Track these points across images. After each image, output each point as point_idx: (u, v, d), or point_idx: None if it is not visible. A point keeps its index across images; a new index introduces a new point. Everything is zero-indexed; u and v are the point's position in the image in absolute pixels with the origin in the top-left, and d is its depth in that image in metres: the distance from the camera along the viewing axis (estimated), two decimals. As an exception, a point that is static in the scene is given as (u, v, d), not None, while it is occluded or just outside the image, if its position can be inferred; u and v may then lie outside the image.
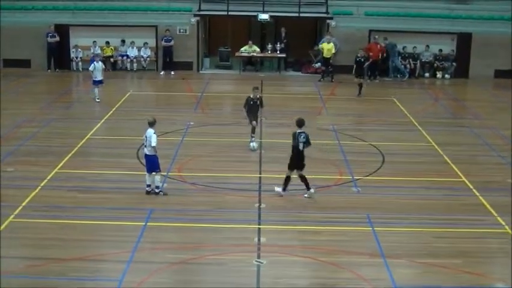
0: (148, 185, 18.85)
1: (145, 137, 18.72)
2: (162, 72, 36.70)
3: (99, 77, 29.23)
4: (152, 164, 18.68)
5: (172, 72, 36.52)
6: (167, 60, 36.77)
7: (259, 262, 14.95)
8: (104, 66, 30.30)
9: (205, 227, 16.82)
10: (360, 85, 31.94)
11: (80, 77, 36.16)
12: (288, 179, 18.76)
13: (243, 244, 15.85)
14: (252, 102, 23.38)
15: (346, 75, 34.43)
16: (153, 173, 18.78)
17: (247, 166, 21.44)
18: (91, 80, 29.67)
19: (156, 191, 18.83)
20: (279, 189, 18.80)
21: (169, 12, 37.61)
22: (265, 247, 15.70)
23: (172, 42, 36.54)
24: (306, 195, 18.78)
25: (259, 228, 16.71)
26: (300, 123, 19.01)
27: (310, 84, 35.46)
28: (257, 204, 18.24)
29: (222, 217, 17.45)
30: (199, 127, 25.50)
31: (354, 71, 32.64)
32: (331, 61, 35.93)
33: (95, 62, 29.47)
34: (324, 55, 35.91)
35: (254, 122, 23.18)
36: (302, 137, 18.70)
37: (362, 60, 32.61)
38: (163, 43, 36.56)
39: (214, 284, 14.15)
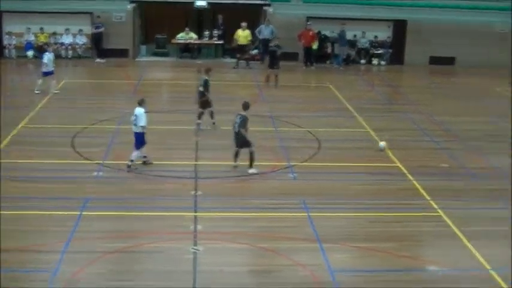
0: (144, 156, 19.98)
1: (135, 115, 19.62)
2: (97, 60, 36.22)
3: (50, 68, 28.63)
4: (137, 139, 19.71)
5: (100, 60, 36.00)
6: (98, 47, 36.34)
7: (196, 249, 14.93)
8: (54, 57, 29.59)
9: (142, 215, 16.71)
10: (276, 75, 31.69)
11: (14, 64, 35.51)
12: (236, 152, 19.94)
13: (179, 232, 15.80)
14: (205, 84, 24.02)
15: (286, 62, 34.46)
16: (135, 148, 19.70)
17: (183, 154, 21.34)
18: (40, 71, 28.95)
19: (129, 163, 19.55)
20: (234, 163, 19.95)
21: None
22: (202, 234, 15.67)
23: (102, 29, 36.09)
24: (235, 163, 20.00)
25: (195, 215, 16.67)
26: (244, 105, 20.03)
27: (247, 71, 35.43)
28: (193, 192, 18.19)
29: (159, 205, 17.36)
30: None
31: (268, 61, 32.19)
32: (246, 48, 35.89)
33: (47, 53, 28.85)
34: (239, 42, 35.85)
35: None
36: (238, 118, 19.61)
37: (275, 49, 32.41)
38: (93, 30, 36.10)
39: (151, 272, 14.07)
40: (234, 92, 30.08)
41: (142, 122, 19.51)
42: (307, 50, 36.40)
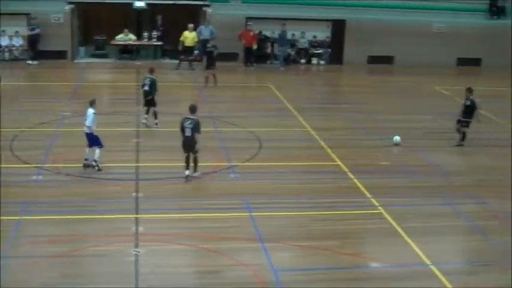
0: (86, 159, 19.69)
1: (86, 116, 19.63)
2: (29, 62, 35.57)
3: None
4: (91, 140, 19.66)
5: (33, 62, 35.42)
6: (33, 49, 35.82)
7: (137, 252, 14.83)
8: None
9: (83, 219, 16.57)
10: (214, 75, 31.69)
11: None
12: (186, 159, 19.23)
13: (121, 234, 15.67)
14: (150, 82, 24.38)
15: (226, 62, 34.47)
16: (94, 148, 19.60)
17: (124, 155, 21.18)
18: None
19: (93, 164, 19.56)
20: (186, 171, 19.25)
21: (43, 0, 36.59)
22: (144, 236, 15.58)
23: (38, 31, 35.56)
24: (187, 172, 19.27)
25: (136, 217, 16.55)
26: (191, 108, 19.38)
27: (187, 72, 35.31)
28: (134, 194, 18.06)
29: (99, 208, 17.19)
30: (75, 117, 24.92)
31: (205, 62, 31.96)
32: (194, 50, 35.80)
33: None
34: (186, 44, 35.74)
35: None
36: (188, 122, 18.99)
37: (212, 50, 32.34)
38: (28, 32, 35.58)
39: (93, 276, 13.96)
40: (174, 93, 29.95)
41: (90, 122, 19.48)
42: (248, 50, 36.47)
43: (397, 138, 23.48)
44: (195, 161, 19.25)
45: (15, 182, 18.61)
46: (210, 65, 31.55)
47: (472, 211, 17.90)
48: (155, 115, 24.14)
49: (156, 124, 24.03)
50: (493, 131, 25.69)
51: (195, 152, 19.14)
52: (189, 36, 35.43)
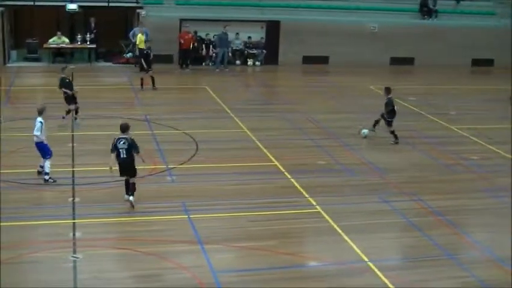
0: (41, 166, 19.40)
1: (35, 124, 19.04)
2: None
3: None
4: (40, 150, 19.16)
5: None
6: None
7: (75, 257, 14.67)
8: None
9: (19, 225, 16.29)
10: (152, 77, 31.39)
11: None
12: (126, 182, 17.60)
13: (58, 240, 15.47)
14: (67, 81, 24.83)
15: (161, 64, 34.28)
16: (44, 159, 19.16)
17: (60, 160, 20.85)
18: None
19: (46, 177, 18.94)
20: (126, 196, 17.61)
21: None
22: (81, 241, 15.42)
23: None
24: (127, 197, 17.56)
25: (74, 222, 16.36)
26: (123, 128, 17.40)
27: (122, 74, 35.06)
28: (71, 199, 17.85)
29: (37, 214, 16.91)
30: (10, 122, 24.54)
31: (143, 64, 31.58)
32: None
33: None
34: (140, 46, 35.37)
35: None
36: (122, 142, 17.12)
37: (148, 52, 32.00)
38: None
39: (31, 284, 13.73)
40: (110, 96, 29.78)
41: (37, 131, 18.86)
42: (185, 52, 36.35)
43: (365, 131, 24.23)
44: (133, 187, 17.40)
45: None
46: (147, 67, 31.30)
47: (408, 208, 18.15)
48: (75, 111, 24.93)
49: (76, 119, 24.89)
50: (426, 128, 26.15)
51: (133, 175, 17.43)
52: (142, 38, 34.85)
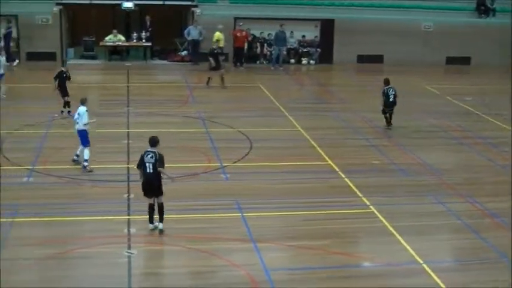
0: (77, 155, 20.04)
1: (78, 114, 19.82)
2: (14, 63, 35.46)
3: (2, 71, 28.14)
4: (81, 137, 19.86)
5: (14, 63, 35.36)
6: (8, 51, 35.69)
7: (130, 253, 14.80)
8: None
9: (74, 221, 16.52)
10: (222, 76, 31.58)
11: None
12: (150, 208, 16.03)
13: (112, 236, 15.62)
14: (65, 75, 25.49)
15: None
16: (83, 148, 19.83)
17: (114, 157, 21.15)
18: None
19: (85, 164, 19.64)
20: (151, 225, 16.04)
21: (30, 1, 36.47)
22: (136, 237, 15.55)
23: (9, 31, 35.31)
24: (153, 225, 16.03)
25: (128, 218, 16.51)
26: (150, 140, 16.15)
27: (177, 72, 35.32)
28: (126, 195, 18.01)
29: (90, 209, 17.13)
30: (64, 119, 24.90)
31: (212, 63, 31.67)
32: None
33: (0, 56, 28.32)
34: (221, 45, 35.42)
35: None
36: (149, 156, 15.78)
37: (218, 51, 32.17)
38: (4, 32, 35.43)
39: (85, 278, 13.90)
40: (164, 93, 30.04)
41: (85, 119, 19.79)
42: (239, 50, 36.44)
43: None
44: (161, 210, 15.93)
45: (6, 184, 18.51)
46: (217, 67, 31.38)
47: (463, 209, 17.92)
48: (65, 104, 25.43)
49: (62, 112, 25.38)
50: (482, 129, 25.79)
51: (160, 194, 15.88)
52: (221, 37, 34.99)
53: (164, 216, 15.85)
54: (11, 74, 32.85)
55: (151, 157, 15.70)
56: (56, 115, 24.94)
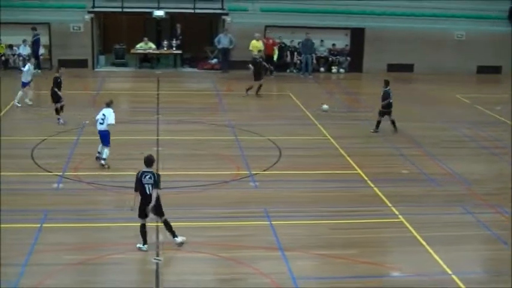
0: (99, 152, 21.00)
1: (103, 114, 20.77)
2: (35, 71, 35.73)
3: (29, 79, 28.38)
4: (104, 137, 20.80)
5: (39, 71, 35.61)
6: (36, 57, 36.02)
7: (158, 260, 14.86)
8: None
9: (102, 227, 16.64)
10: (260, 85, 31.60)
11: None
12: (142, 229, 15.43)
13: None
14: (59, 81, 25.80)
15: (242, 71, 34.57)
16: (105, 146, 20.82)
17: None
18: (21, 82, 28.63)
19: (102, 162, 20.61)
20: (140, 245, 15.40)
21: (62, 9, 36.85)
22: (164, 245, 15.59)
23: (36, 38, 35.65)
24: (177, 241, 15.64)
25: (157, 225, 16.55)
26: (148, 161, 15.75)
27: (207, 80, 35.45)
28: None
29: (120, 216, 17.15)
30: (95, 126, 25.04)
31: (257, 72, 31.68)
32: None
33: (29, 64, 28.62)
34: (255, 53, 35.48)
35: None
36: (148, 177, 15.37)
37: (261, 60, 32.38)
38: (32, 40, 35.77)
39: (114, 284, 13.96)
40: (193, 101, 30.17)
41: (112, 120, 20.72)
42: (268, 58, 36.51)
43: (325, 107, 27.73)
44: (168, 225, 15.61)
45: (36, 190, 18.75)
46: (260, 76, 31.45)
47: (493, 220, 17.75)
48: (59, 109, 25.78)
49: (59, 119, 25.59)
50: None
51: (162, 214, 15.55)
52: (257, 45, 35.20)
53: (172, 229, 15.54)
54: (43, 80, 33.20)
55: (150, 178, 15.32)
56: (87, 121, 25.08)
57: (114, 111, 20.90)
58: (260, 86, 31.38)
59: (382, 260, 15.61)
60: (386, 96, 25.49)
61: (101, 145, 21.07)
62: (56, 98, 25.65)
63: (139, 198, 15.31)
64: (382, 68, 38.35)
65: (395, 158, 22.77)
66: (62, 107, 25.80)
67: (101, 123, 20.82)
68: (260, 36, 35.73)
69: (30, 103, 28.31)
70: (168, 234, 15.55)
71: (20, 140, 23.37)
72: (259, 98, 31.16)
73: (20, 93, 28.21)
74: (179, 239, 15.57)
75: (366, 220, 17.53)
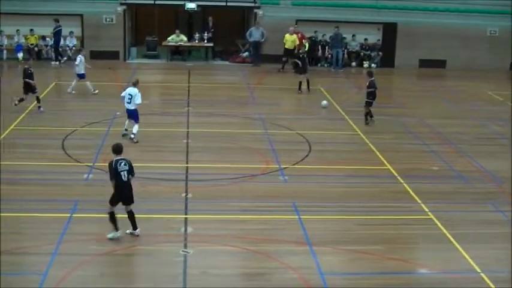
0: (126, 130, 22.57)
1: (130, 94, 22.12)
2: (53, 63, 36.01)
3: (82, 71, 28.58)
4: (133, 115, 22.31)
5: (55, 62, 35.94)
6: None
7: (186, 252, 14.91)
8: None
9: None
10: (307, 80, 31.43)
11: (5, 67, 35.43)
12: (112, 217, 15.34)
13: (169, 234, 15.76)
14: (29, 72, 25.77)
15: (273, 64, 34.54)
16: (134, 122, 22.30)
17: (174, 156, 21.33)
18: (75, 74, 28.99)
19: (132, 136, 22.09)
20: (111, 234, 15.37)
21: (95, 1, 37.06)
22: (192, 237, 15.65)
23: (58, 30, 35.92)
24: (128, 231, 15.57)
25: (186, 218, 16.63)
26: (117, 149, 15.53)
27: (238, 73, 35.47)
28: (184, 194, 18.14)
29: (149, 207, 17.22)
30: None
31: (298, 67, 31.89)
32: (295, 52, 34.89)
33: (80, 55, 28.78)
34: (287, 46, 35.57)
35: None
36: (123, 164, 15.23)
37: (304, 55, 32.29)
38: (53, 32, 35.97)
39: (141, 275, 14.06)
40: (225, 94, 30.19)
41: (139, 100, 22.11)
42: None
43: (324, 102, 27.75)
44: (133, 217, 15.54)
45: (66, 180, 18.89)
46: (303, 70, 31.42)
47: (523, 218, 17.63)
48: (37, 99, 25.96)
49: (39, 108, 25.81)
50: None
51: (132, 202, 15.50)
52: (289, 39, 35.25)
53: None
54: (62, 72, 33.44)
55: (125, 164, 15.21)
56: (118, 113, 25.19)
57: (139, 91, 22.12)
58: (308, 80, 31.12)
59: (410, 256, 15.54)
60: (371, 85, 25.70)
61: (127, 121, 22.55)
62: (28, 89, 25.75)
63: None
64: (414, 64, 38.16)
65: (426, 155, 22.62)
66: (37, 98, 25.95)
67: (128, 103, 22.18)
68: (294, 30, 35.62)
69: (96, 92, 28.73)
70: (117, 226, 15.31)
71: (50, 130, 23.52)
72: (289, 92, 31.11)
73: (74, 82, 28.64)
74: (137, 232, 15.48)
75: (395, 216, 17.46)
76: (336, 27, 36.81)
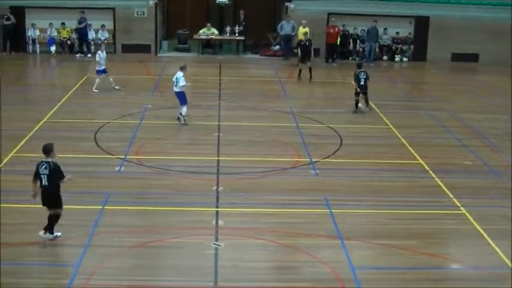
0: (180, 113, 23.59)
1: (176, 78, 23.47)
2: (77, 55, 36.25)
3: (103, 66, 28.68)
4: (180, 97, 23.52)
5: (80, 56, 36.21)
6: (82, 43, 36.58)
7: (217, 245, 14.95)
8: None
9: (163, 211, 16.75)
10: (310, 69, 31.63)
11: (37, 60, 35.75)
12: (50, 219, 14.62)
13: (201, 227, 15.81)
14: None
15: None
16: (182, 106, 23.50)
17: (205, 149, 21.39)
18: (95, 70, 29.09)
19: (180, 117, 23.42)
20: (44, 234, 14.60)
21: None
22: (223, 230, 15.69)
23: (83, 25, 36.11)
24: (41, 233, 14.57)
25: (217, 211, 16.67)
26: (43, 149, 14.54)
27: (269, 67, 35.47)
28: (215, 187, 18.19)
29: (180, 200, 17.35)
30: (157, 110, 25.37)
31: (301, 55, 32.01)
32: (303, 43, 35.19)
33: (99, 51, 28.89)
34: (299, 38, 35.53)
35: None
36: (43, 167, 14.22)
37: (307, 44, 32.32)
38: (77, 25, 36.16)
39: (172, 268, 14.10)
40: (255, 87, 30.19)
41: (182, 82, 23.22)
42: (331, 46, 36.39)
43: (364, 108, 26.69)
44: (50, 220, 14.55)
45: (98, 173, 19.02)
46: (305, 59, 31.42)
47: (557, 214, 17.43)
48: None
49: None
50: None
51: (54, 207, 14.52)
52: (301, 31, 35.26)
53: (52, 226, 14.63)
54: (112, 65, 33.63)
55: (45, 168, 14.17)
56: (149, 106, 25.30)
57: (183, 75, 23.26)
58: (310, 70, 31.22)
59: (441, 251, 15.44)
60: (357, 78, 26.25)
61: (180, 107, 23.59)
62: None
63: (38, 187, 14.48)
64: (446, 58, 37.91)
65: (458, 149, 22.46)
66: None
67: (175, 85, 23.52)
68: (307, 23, 35.42)
69: (117, 87, 28.66)
70: (47, 227, 14.61)
71: (82, 122, 23.69)
72: (320, 86, 31.14)
73: (97, 80, 28.54)
74: (52, 236, 14.62)
75: (426, 211, 17.37)
76: (374, 21, 36.64)
